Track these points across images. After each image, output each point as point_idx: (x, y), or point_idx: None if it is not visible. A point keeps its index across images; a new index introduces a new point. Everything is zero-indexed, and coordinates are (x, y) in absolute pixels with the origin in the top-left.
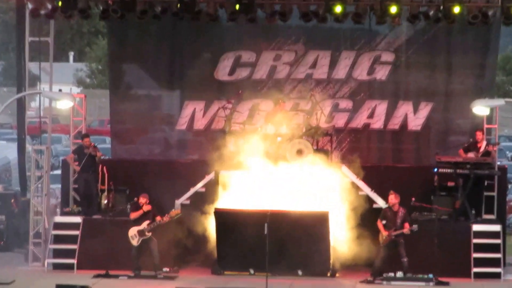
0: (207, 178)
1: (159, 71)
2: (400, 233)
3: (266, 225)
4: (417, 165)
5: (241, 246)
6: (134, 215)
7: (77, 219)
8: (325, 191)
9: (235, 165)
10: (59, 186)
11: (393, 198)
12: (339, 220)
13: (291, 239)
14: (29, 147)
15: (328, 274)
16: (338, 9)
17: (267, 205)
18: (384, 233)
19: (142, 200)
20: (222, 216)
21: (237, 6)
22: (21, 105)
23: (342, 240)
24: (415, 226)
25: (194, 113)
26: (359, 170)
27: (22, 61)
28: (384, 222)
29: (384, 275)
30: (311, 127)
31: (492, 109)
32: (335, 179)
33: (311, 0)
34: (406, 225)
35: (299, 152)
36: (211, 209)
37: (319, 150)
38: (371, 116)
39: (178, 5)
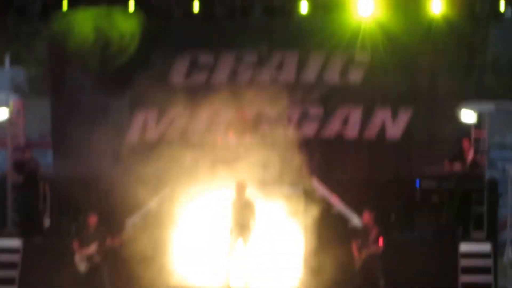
0: (161, 195)
1: (106, 76)
2: (371, 253)
3: None
4: (397, 178)
5: None
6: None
7: (17, 243)
8: (293, 212)
9: (193, 180)
10: None
11: (365, 217)
12: (311, 243)
13: None
14: None
15: None
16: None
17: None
18: (355, 255)
19: (92, 220)
20: None
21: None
22: None
23: (315, 266)
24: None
25: (146, 123)
26: (332, 184)
27: None
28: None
29: None
30: (278, 137)
31: (481, 115)
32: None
33: None
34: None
35: (265, 165)
36: (167, 230)
37: (286, 162)
38: (344, 124)
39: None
